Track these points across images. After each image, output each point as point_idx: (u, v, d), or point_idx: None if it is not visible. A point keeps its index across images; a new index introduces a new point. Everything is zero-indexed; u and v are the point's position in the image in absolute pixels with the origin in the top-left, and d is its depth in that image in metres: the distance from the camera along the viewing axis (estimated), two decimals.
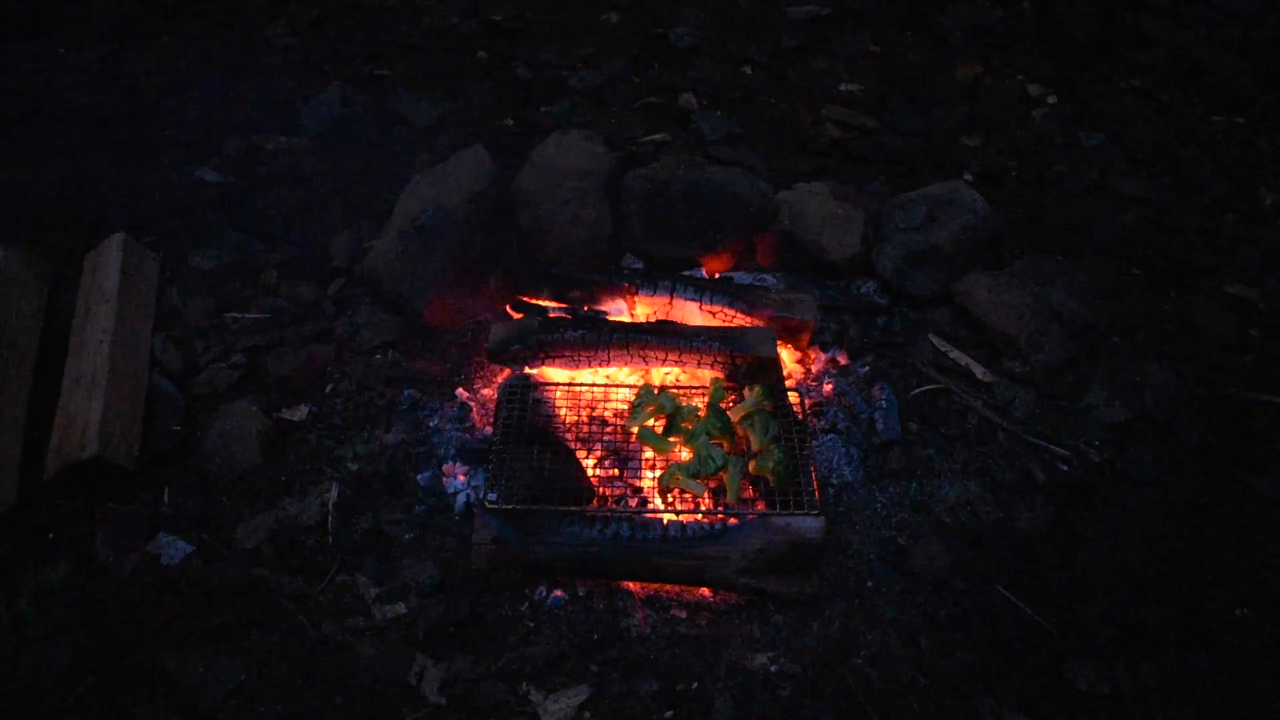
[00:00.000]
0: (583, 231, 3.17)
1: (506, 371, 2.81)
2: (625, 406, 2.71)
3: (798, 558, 2.32)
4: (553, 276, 3.06)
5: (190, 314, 3.08)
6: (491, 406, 2.80)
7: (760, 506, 2.43)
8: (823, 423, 2.79)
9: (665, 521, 2.41)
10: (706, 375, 2.78)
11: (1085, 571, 2.50)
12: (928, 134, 4.07)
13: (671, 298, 2.97)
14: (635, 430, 2.59)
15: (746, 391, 2.61)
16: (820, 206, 3.25)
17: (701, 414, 2.57)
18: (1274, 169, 3.95)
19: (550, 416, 2.67)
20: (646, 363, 2.79)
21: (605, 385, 2.77)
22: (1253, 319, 3.27)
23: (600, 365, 2.81)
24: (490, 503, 2.35)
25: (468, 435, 2.72)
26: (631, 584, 2.40)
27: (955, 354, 3.04)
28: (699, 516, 2.41)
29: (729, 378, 2.74)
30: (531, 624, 2.32)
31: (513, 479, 2.40)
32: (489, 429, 2.73)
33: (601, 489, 2.54)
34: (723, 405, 2.61)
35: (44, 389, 2.75)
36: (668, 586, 2.40)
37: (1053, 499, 2.65)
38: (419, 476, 2.63)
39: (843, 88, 4.33)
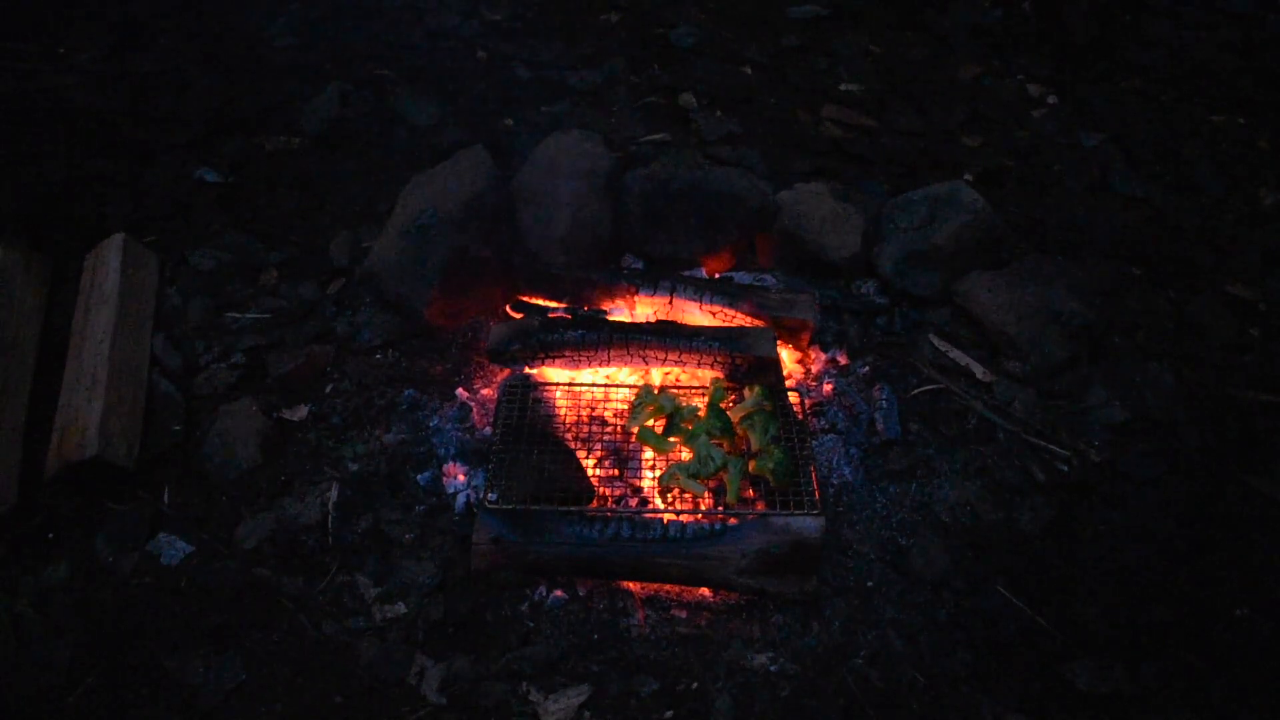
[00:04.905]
0: (583, 231, 3.16)
1: (506, 371, 2.81)
2: (625, 406, 2.71)
3: (798, 558, 2.32)
4: (553, 276, 3.06)
5: (190, 314, 3.08)
6: (491, 406, 2.80)
7: (760, 506, 2.43)
8: (823, 423, 2.79)
9: (665, 521, 2.41)
10: (706, 375, 2.77)
11: (1085, 571, 2.50)
12: (928, 134, 4.07)
13: (671, 298, 2.97)
14: (635, 430, 2.59)
15: (746, 391, 2.61)
16: (820, 206, 3.25)
17: (701, 414, 2.57)
18: (1274, 169, 3.95)
19: (550, 416, 2.67)
20: (646, 363, 2.79)
21: (605, 385, 2.77)
22: (1253, 319, 3.27)
23: (600, 365, 2.80)
24: (490, 503, 2.35)
25: (468, 435, 2.72)
26: (631, 584, 2.40)
27: (955, 354, 3.04)
28: (699, 516, 2.41)
29: (729, 378, 2.74)
30: (531, 624, 2.32)
31: (513, 479, 2.40)
32: (489, 429, 2.73)
33: (601, 489, 2.54)
34: (723, 405, 2.61)
35: (44, 389, 2.75)
36: (668, 586, 2.40)
37: (1053, 499, 2.65)
38: (419, 476, 2.63)
39: (843, 88, 4.33)
